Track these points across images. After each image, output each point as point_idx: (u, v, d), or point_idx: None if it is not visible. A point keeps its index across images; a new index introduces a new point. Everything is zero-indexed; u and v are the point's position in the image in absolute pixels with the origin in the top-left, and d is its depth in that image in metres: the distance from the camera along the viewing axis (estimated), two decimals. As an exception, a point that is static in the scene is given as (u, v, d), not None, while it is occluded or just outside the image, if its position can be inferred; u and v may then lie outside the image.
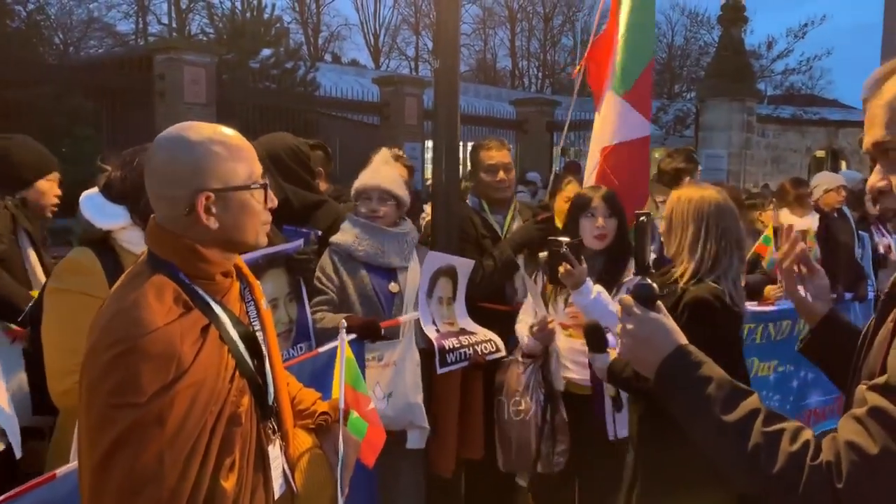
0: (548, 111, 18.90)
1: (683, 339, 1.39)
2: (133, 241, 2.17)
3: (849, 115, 23.98)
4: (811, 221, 5.72)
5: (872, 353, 1.29)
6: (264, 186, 1.59)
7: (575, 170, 9.81)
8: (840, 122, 22.25)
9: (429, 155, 17.89)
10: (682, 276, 2.53)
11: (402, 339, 3.02)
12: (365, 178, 3.26)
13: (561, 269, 2.91)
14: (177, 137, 1.54)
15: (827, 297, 1.74)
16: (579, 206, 3.24)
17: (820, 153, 22.03)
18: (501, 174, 3.72)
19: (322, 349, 2.57)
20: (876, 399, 1.13)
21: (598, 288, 2.99)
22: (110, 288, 2.03)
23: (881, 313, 1.32)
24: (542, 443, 3.12)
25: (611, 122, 4.07)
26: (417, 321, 3.06)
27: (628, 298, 1.44)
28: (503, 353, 3.25)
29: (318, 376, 2.23)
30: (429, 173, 17.23)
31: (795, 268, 1.78)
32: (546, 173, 15.97)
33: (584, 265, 2.95)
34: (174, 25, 26.56)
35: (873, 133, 1.28)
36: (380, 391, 2.92)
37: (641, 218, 1.49)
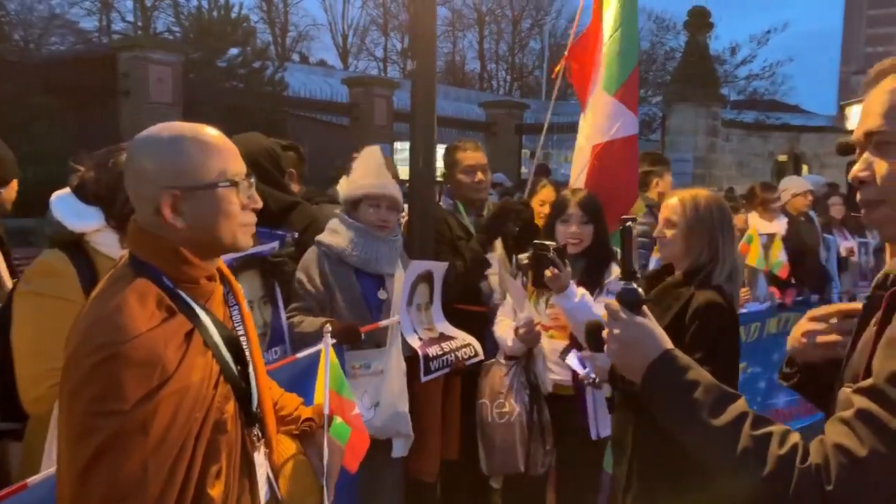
0: (517, 114, 19.00)
1: (669, 344, 1.40)
2: (107, 243, 2.12)
3: (810, 121, 24.50)
4: (779, 225, 5.83)
5: (856, 356, 1.30)
6: (238, 185, 1.52)
7: (544, 172, 9.85)
8: (801, 127, 22.74)
9: (398, 156, 17.87)
10: (691, 278, 2.58)
11: (390, 348, 2.98)
12: (372, 184, 3.10)
13: (547, 272, 2.94)
14: (150, 135, 1.52)
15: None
16: (556, 211, 3.25)
17: (782, 157, 22.46)
18: (479, 175, 3.73)
19: (301, 354, 2.53)
20: (863, 402, 1.14)
21: (581, 291, 3.01)
22: (84, 291, 2.00)
23: (864, 316, 1.33)
24: (529, 444, 3.13)
25: (602, 120, 4.08)
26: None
27: (614, 303, 1.44)
28: (481, 356, 3.24)
29: (297, 382, 2.19)
30: (400, 174, 17.18)
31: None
32: (515, 175, 16.04)
33: (570, 269, 2.98)
34: (139, 23, 26.12)
35: (868, 122, 1.28)
36: (367, 400, 2.88)
37: (627, 223, 1.49)
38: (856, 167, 1.31)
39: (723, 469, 1.25)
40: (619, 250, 3.68)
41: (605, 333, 1.46)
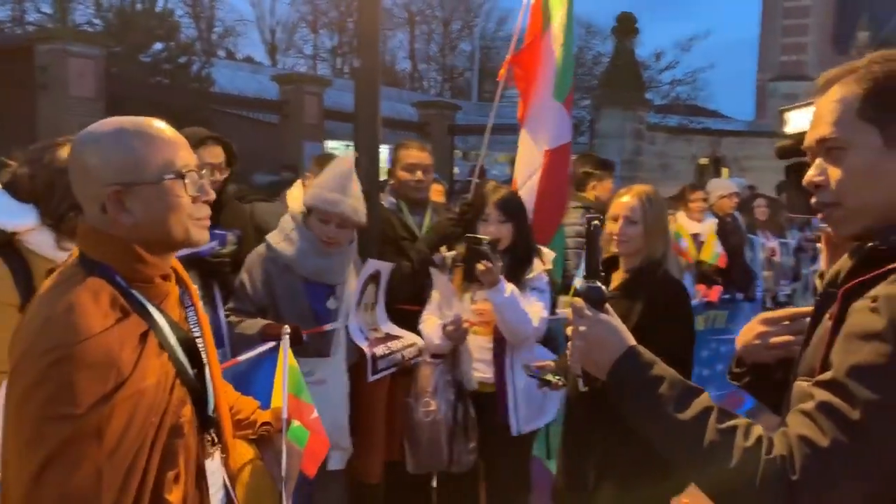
0: (449, 114, 19.07)
1: (633, 341, 1.42)
2: (42, 243, 2.02)
3: (730, 126, 25.47)
4: (708, 225, 6.04)
5: (810, 351, 1.34)
6: (186, 177, 1.46)
7: (481, 173, 9.94)
8: (722, 131, 23.64)
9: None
10: (645, 270, 2.74)
11: (334, 357, 2.93)
12: (325, 199, 2.94)
13: (480, 266, 2.92)
14: (92, 131, 1.46)
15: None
16: (476, 211, 3.27)
17: (704, 160, 23.26)
18: (420, 174, 3.72)
19: (243, 357, 2.47)
20: (823, 394, 1.18)
21: (510, 286, 3.02)
22: (19, 294, 1.90)
23: (817, 311, 1.38)
24: (453, 442, 3.12)
25: (552, 127, 4.20)
26: (348, 335, 2.98)
27: (579, 301, 1.45)
28: (424, 356, 3.23)
29: (239, 386, 2.12)
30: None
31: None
32: (447, 176, 16.09)
33: (501, 263, 2.98)
34: (56, 14, 25.03)
35: (819, 129, 1.32)
36: None
37: (594, 223, 1.51)
38: (810, 172, 1.35)
39: (690, 462, 1.27)
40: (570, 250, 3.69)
41: (569, 331, 1.47)
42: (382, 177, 4.12)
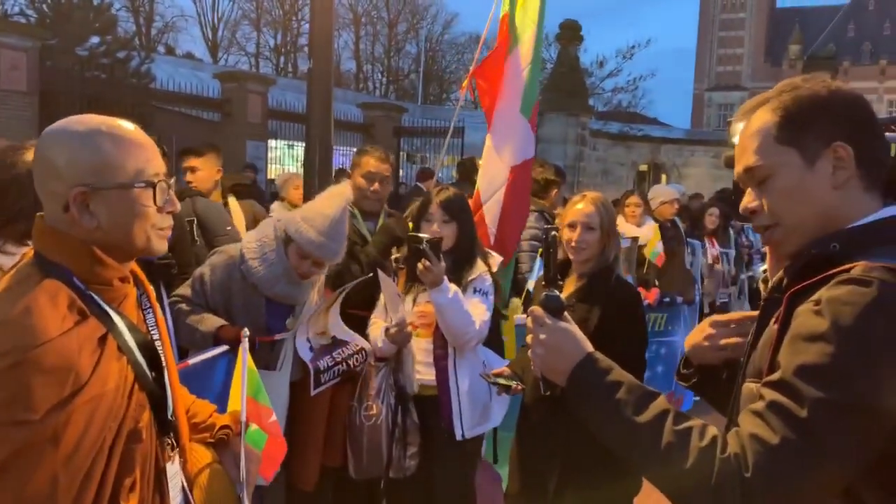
0: (395, 116, 19.08)
1: (591, 347, 1.46)
2: None
3: (669, 133, 26.14)
4: (647, 230, 6.19)
5: (757, 353, 1.40)
6: (156, 186, 1.44)
7: (429, 176, 9.97)
8: (662, 138, 24.24)
9: (271, 154, 17.45)
10: (600, 275, 2.84)
11: (279, 370, 2.87)
12: (314, 241, 2.81)
13: (420, 265, 2.90)
14: (62, 128, 1.41)
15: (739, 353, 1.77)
16: (421, 211, 3.26)
17: (643, 167, 23.81)
18: (376, 185, 3.71)
19: (193, 360, 2.43)
20: (772, 394, 1.23)
21: (454, 287, 3.01)
22: None
23: (762, 316, 1.45)
24: (393, 447, 3.10)
25: (519, 142, 4.25)
26: (295, 350, 2.91)
27: (538, 309, 1.49)
28: (370, 359, 3.20)
29: (194, 388, 2.08)
30: (272, 173, 16.80)
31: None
32: (393, 177, 16.08)
33: (444, 263, 2.96)
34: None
35: (744, 160, 1.42)
36: None
37: (552, 233, 1.56)
38: (745, 199, 1.44)
39: (648, 464, 1.31)
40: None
41: (528, 338, 1.51)
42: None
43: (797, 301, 1.29)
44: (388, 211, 3.98)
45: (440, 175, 16.62)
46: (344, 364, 3.02)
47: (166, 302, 2.95)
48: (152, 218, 1.44)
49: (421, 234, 3.00)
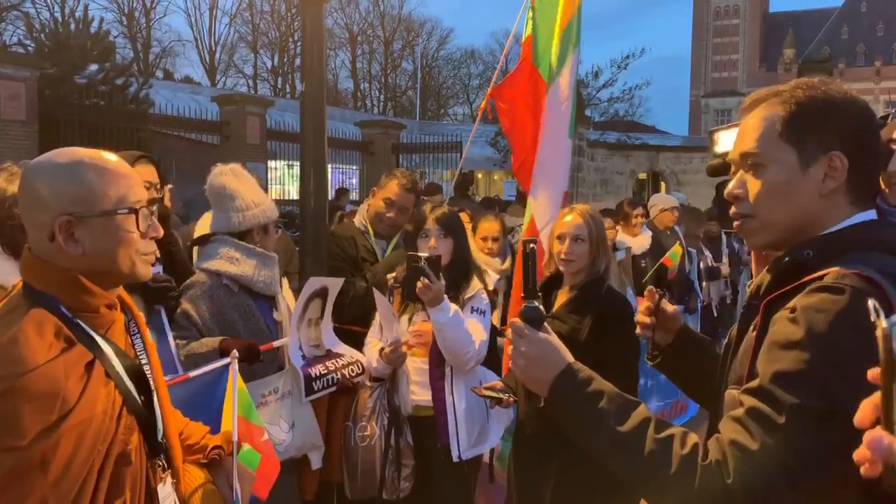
0: (393, 133, 19.17)
1: (571, 358, 1.46)
2: (4, 271, 1.98)
3: (666, 141, 26.19)
4: (643, 240, 6.20)
5: (738, 360, 1.42)
6: (138, 212, 1.47)
7: (435, 191, 10.01)
8: (659, 146, 24.27)
9: (271, 175, 17.54)
10: (590, 285, 2.87)
11: (289, 367, 2.91)
12: (273, 207, 3.05)
13: (419, 283, 2.88)
14: (45, 160, 1.46)
15: (678, 319, 1.89)
16: (416, 227, 3.25)
17: (642, 175, 23.85)
18: (393, 213, 3.71)
19: (194, 373, 2.44)
20: (751, 401, 1.25)
21: (454, 306, 3.00)
22: None
23: (742, 323, 1.46)
24: (386, 468, 3.07)
25: (566, 165, 4.30)
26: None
27: (518, 321, 1.50)
28: (365, 378, 3.20)
29: (193, 402, 2.10)
30: (274, 194, 16.87)
31: (649, 320, 1.87)
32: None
33: (443, 281, 2.94)
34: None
35: (743, 144, 1.41)
36: (284, 424, 2.81)
37: (530, 245, 1.59)
38: (731, 184, 1.45)
39: (632, 472, 1.32)
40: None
41: (508, 351, 1.52)
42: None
43: (774, 308, 1.30)
44: (406, 230, 3.97)
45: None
46: (338, 373, 3.02)
47: (167, 326, 2.96)
48: (136, 244, 1.48)
49: (420, 253, 2.99)
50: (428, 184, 12.77)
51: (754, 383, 1.27)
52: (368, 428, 3.07)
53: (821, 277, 1.25)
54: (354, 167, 19.25)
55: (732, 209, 1.45)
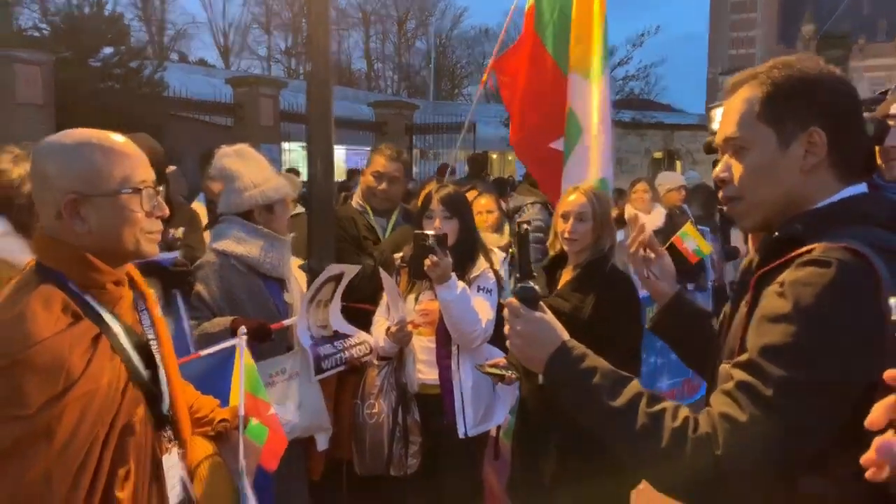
0: (407, 114, 19.12)
1: (566, 336, 1.50)
2: (12, 249, 2.04)
3: (682, 119, 25.96)
4: (655, 217, 6.19)
5: (731, 335, 1.45)
6: (142, 192, 1.52)
7: (445, 171, 9.99)
8: (675, 125, 24.06)
9: (285, 156, 17.58)
10: (594, 264, 2.88)
11: (298, 348, 2.95)
12: (285, 185, 3.06)
13: (427, 261, 2.91)
14: (54, 141, 1.51)
15: (672, 277, 1.93)
16: (422, 208, 3.27)
17: (658, 154, 23.68)
18: (384, 185, 3.75)
19: (205, 352, 2.49)
20: (740, 374, 1.28)
21: (461, 284, 3.03)
22: None
23: (735, 299, 1.49)
24: (394, 445, 3.12)
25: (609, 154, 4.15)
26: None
27: (514, 301, 1.53)
28: (373, 357, 3.24)
29: (205, 379, 2.15)
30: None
31: (643, 252, 1.95)
32: (407, 175, 16.16)
33: (450, 258, 2.97)
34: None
35: (725, 129, 1.45)
36: (291, 404, 2.86)
37: (524, 227, 1.63)
38: (717, 168, 1.49)
39: (625, 445, 1.36)
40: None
41: (506, 330, 1.56)
42: (340, 177, 4.17)
43: (765, 283, 1.33)
44: (405, 207, 4.02)
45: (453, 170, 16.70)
46: (346, 352, 3.07)
47: (182, 309, 3.01)
48: (141, 222, 1.53)
49: (427, 231, 3.01)
50: (440, 165, 12.78)
51: (743, 357, 1.29)
52: (376, 406, 3.12)
53: (809, 251, 1.26)
54: (367, 148, 19.24)
55: (720, 193, 1.48)
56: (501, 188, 8.29)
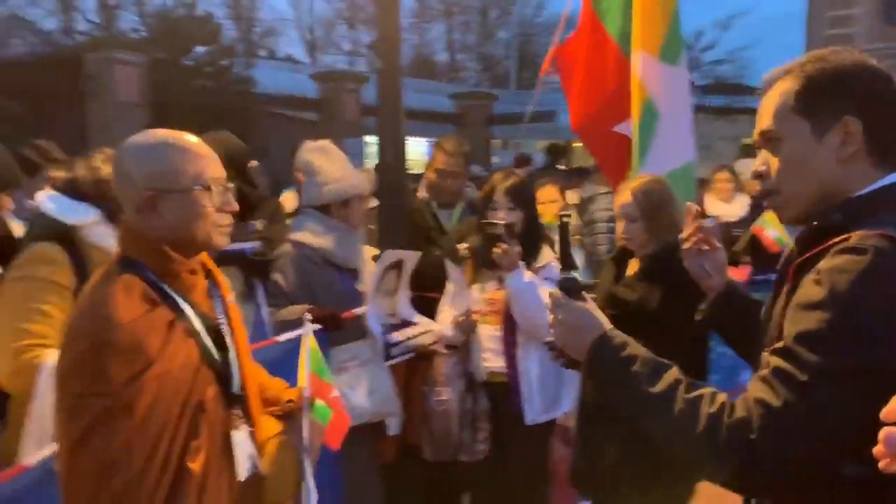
0: (487, 105, 19.12)
1: (608, 325, 1.54)
2: (103, 235, 2.23)
3: (775, 103, 24.83)
4: (737, 207, 6.03)
5: (772, 323, 1.46)
6: (212, 189, 1.65)
7: (525, 162, 9.95)
8: (767, 110, 23.03)
9: (369, 150, 17.90)
10: (659, 256, 2.79)
11: (370, 336, 3.07)
12: (360, 181, 3.20)
13: (498, 249, 2.97)
14: (135, 141, 1.66)
15: (724, 269, 1.94)
16: (486, 199, 3.30)
17: (747, 140, 22.83)
18: (446, 181, 3.84)
19: (282, 337, 2.65)
20: (776, 361, 1.30)
21: (529, 273, 3.07)
22: (76, 279, 2.15)
23: (777, 288, 1.50)
24: (463, 431, 3.20)
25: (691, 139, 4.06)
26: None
27: (556, 291, 1.59)
28: (439, 345, 3.33)
29: (279, 364, 2.28)
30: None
31: (699, 246, 1.94)
32: (486, 166, 16.17)
33: (518, 247, 3.01)
34: (102, 23, 25.78)
35: (761, 123, 1.47)
36: (362, 390, 2.99)
37: (564, 219, 1.68)
38: (755, 163, 1.52)
39: (663, 431, 1.39)
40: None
41: (549, 320, 1.61)
42: (420, 170, 4.25)
43: (804, 272, 1.34)
44: (469, 198, 4.09)
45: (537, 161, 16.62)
46: (414, 341, 3.17)
47: (261, 297, 3.17)
48: (212, 216, 1.66)
49: (495, 220, 3.06)
50: (517, 155, 12.75)
51: (780, 344, 1.31)
52: (444, 393, 3.21)
53: (846, 240, 1.27)
54: (466, 150, 19.31)
55: (761, 187, 1.49)
56: (579, 178, 8.21)
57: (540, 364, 3.16)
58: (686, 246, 1.93)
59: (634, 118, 3.99)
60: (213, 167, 1.68)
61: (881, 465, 0.91)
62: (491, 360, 3.26)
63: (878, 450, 0.91)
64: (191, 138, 1.69)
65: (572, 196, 6.00)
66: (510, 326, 3.20)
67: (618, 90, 4.15)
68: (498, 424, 3.26)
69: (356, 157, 16.06)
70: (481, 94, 20.51)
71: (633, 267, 3.00)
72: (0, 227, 3.05)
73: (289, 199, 4.77)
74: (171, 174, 1.61)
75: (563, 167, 11.73)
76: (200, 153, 1.67)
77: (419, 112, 16.99)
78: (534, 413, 3.19)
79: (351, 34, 39.39)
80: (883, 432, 0.89)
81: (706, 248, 1.92)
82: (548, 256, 3.26)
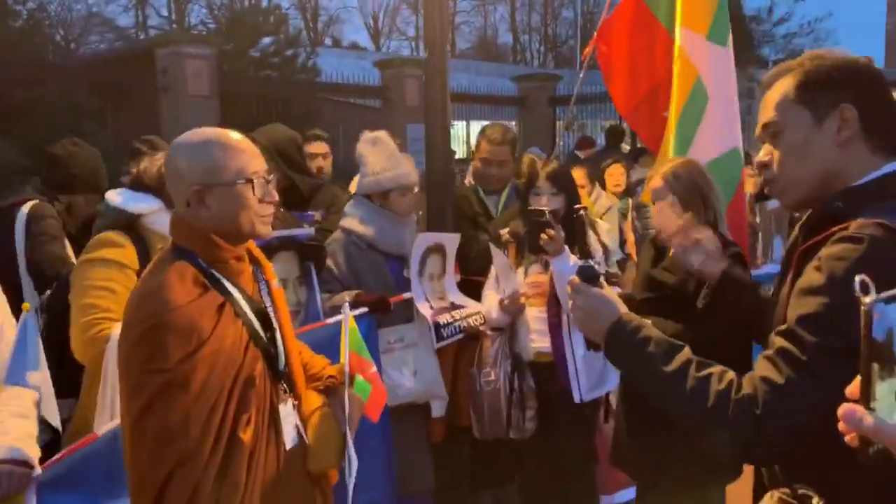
0: (550, 86, 18.90)
1: (625, 309, 1.65)
2: (165, 223, 2.43)
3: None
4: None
5: (778, 307, 1.54)
6: (254, 182, 1.78)
7: (589, 144, 9.86)
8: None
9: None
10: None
11: (418, 321, 3.19)
12: (400, 174, 3.26)
13: (545, 235, 3.03)
14: (184, 139, 1.82)
15: (720, 257, 2.00)
16: (528, 184, 3.35)
17: (823, 116, 21.97)
18: (494, 170, 3.90)
19: (330, 320, 2.80)
20: (780, 341, 1.39)
21: (573, 256, 3.12)
22: (139, 262, 2.36)
23: (783, 274, 1.58)
24: (511, 410, 3.29)
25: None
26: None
27: (575, 279, 1.70)
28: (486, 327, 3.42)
29: (325, 344, 2.44)
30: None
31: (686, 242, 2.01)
32: (548, 148, 16.09)
33: (563, 232, 3.07)
34: (173, 18, 26.66)
35: (763, 116, 1.56)
36: (407, 371, 3.13)
37: (579, 212, 1.79)
38: (759, 154, 1.59)
39: (675, 407, 1.50)
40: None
41: (569, 306, 1.71)
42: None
43: (807, 259, 1.43)
44: (515, 184, 4.16)
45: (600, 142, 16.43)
46: (464, 321, 3.27)
47: (315, 280, 3.34)
48: (254, 207, 1.80)
49: (540, 207, 3.14)
50: (580, 137, 12.66)
51: (784, 326, 1.41)
52: (492, 374, 3.31)
53: (845, 228, 1.35)
54: (512, 123, 19.29)
55: (764, 176, 1.57)
56: (634, 160, 8.17)
57: (584, 344, 3.22)
58: (676, 242, 2.01)
59: (678, 97, 3.93)
60: (255, 161, 1.82)
61: (847, 439, 0.97)
62: (537, 340, 3.35)
63: (841, 426, 0.97)
64: (233, 135, 1.83)
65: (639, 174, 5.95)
66: (555, 307, 3.27)
67: (666, 75, 4.11)
68: (545, 404, 3.34)
69: (418, 141, 16.25)
70: (544, 76, 20.27)
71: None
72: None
73: (355, 186, 4.94)
74: (216, 170, 1.75)
75: (626, 147, 11.60)
76: (241, 149, 1.81)
77: (482, 96, 17.01)
78: (580, 392, 3.26)
79: (414, 19, 39.49)
80: (842, 409, 0.95)
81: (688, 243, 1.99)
82: (592, 241, 3.32)
